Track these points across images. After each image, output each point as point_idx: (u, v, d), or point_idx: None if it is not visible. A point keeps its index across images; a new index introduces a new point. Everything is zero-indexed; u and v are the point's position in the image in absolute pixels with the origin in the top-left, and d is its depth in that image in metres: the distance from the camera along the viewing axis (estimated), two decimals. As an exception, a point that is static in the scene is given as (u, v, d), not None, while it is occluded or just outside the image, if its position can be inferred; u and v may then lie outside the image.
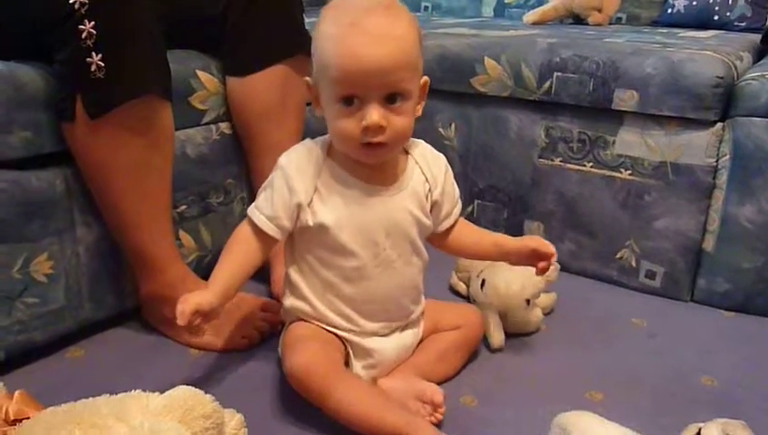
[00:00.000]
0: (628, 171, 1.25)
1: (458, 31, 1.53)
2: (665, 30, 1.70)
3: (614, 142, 1.26)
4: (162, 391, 0.75)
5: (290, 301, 0.94)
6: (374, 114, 0.77)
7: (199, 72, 1.13)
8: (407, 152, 0.91)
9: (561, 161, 1.32)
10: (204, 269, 1.14)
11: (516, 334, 1.10)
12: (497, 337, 1.05)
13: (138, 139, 0.94)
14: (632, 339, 1.12)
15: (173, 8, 1.03)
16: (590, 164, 1.29)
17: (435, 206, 0.93)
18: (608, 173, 1.27)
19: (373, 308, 0.91)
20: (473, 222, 1.40)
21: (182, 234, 1.14)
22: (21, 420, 0.72)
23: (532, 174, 1.36)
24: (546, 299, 1.16)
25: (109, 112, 0.89)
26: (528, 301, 1.08)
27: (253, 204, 0.89)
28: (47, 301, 0.98)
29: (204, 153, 1.15)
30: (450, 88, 1.41)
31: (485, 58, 1.35)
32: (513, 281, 1.08)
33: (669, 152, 1.20)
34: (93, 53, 0.87)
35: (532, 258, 0.95)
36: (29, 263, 0.94)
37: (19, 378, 0.95)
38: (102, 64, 0.87)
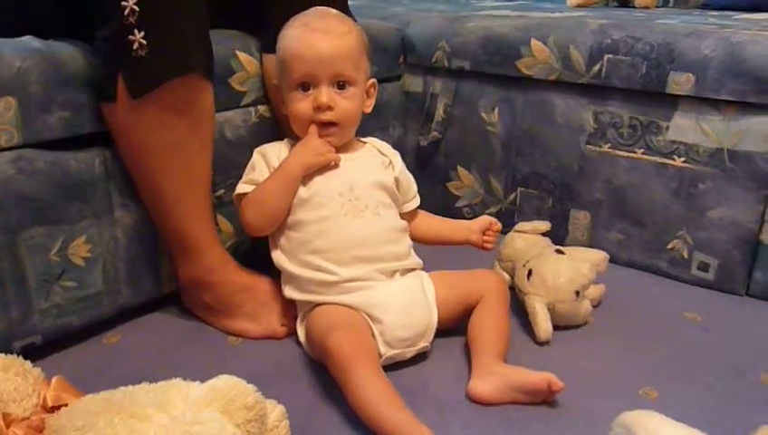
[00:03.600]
0: (682, 158, 1.19)
1: (502, 12, 1.48)
2: (716, 12, 1.63)
3: (667, 128, 1.20)
4: (201, 380, 0.72)
5: (285, 288, 0.99)
6: (324, 94, 0.95)
7: (239, 53, 1.09)
8: (363, 143, 1.04)
9: (610, 148, 1.26)
10: (241, 256, 1.11)
11: (564, 327, 1.05)
12: (545, 329, 1.01)
13: (179, 119, 0.91)
14: (686, 334, 1.07)
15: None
16: (641, 151, 1.23)
17: (397, 182, 1.03)
18: (660, 160, 1.22)
19: (350, 254, 0.94)
20: (515, 211, 1.38)
21: (220, 219, 1.11)
22: (59, 407, 0.69)
23: (579, 161, 1.30)
24: (594, 290, 1.11)
25: (151, 92, 0.87)
26: (577, 292, 1.04)
27: (236, 189, 1.00)
28: (84, 284, 0.95)
29: (242, 136, 1.11)
30: (494, 71, 1.36)
31: (532, 40, 1.29)
32: (562, 272, 1.04)
33: (727, 139, 1.14)
34: (135, 31, 0.84)
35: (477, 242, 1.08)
36: (67, 246, 0.92)
37: (55, 362, 0.94)
38: (145, 42, 0.84)
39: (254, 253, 1.18)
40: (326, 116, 0.96)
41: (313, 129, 0.97)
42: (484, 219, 1.09)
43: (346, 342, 0.84)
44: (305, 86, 0.96)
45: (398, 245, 1.00)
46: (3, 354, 0.75)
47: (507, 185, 1.40)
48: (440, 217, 1.13)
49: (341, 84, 0.96)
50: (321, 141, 0.97)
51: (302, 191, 0.97)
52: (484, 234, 1.08)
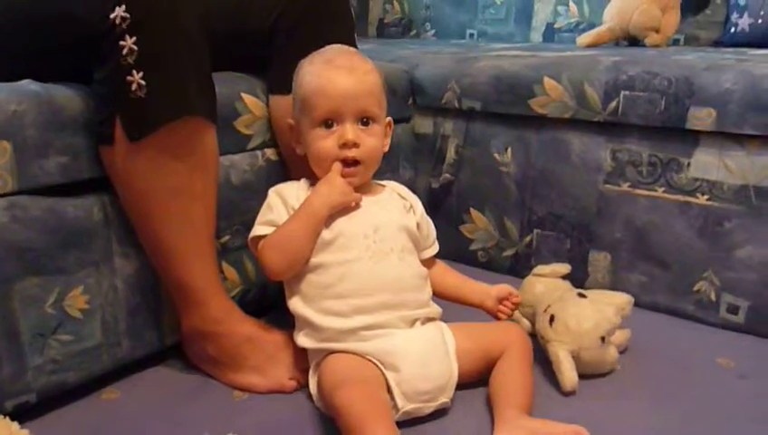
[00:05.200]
0: (706, 196, 1.14)
1: (512, 52, 1.45)
2: (730, 49, 1.60)
3: (689, 165, 1.15)
4: (204, 440, 0.67)
5: (298, 336, 0.93)
6: (349, 131, 0.91)
7: (244, 95, 1.06)
8: (383, 186, 1.01)
9: (629, 187, 1.21)
10: (248, 305, 1.07)
11: (590, 375, 0.99)
12: (570, 379, 0.94)
13: (181, 163, 0.87)
14: (720, 381, 1.00)
15: (219, 23, 0.98)
16: (662, 189, 1.18)
17: (418, 227, 0.99)
18: (682, 198, 1.16)
19: (375, 300, 0.90)
20: (532, 254, 1.33)
21: (225, 266, 1.06)
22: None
23: (597, 201, 1.25)
24: (620, 336, 1.05)
25: (150, 134, 0.83)
26: (603, 338, 0.97)
27: (252, 231, 0.95)
28: (82, 338, 0.90)
29: (249, 180, 1.07)
30: (506, 111, 1.32)
31: (545, 78, 1.26)
32: (587, 317, 0.97)
33: (752, 174, 1.09)
34: (134, 71, 0.81)
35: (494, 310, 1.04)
36: (63, 297, 0.87)
37: (50, 422, 0.88)
38: (144, 83, 0.81)
39: (262, 302, 1.13)
40: (352, 153, 0.92)
41: (337, 167, 0.93)
42: (504, 288, 1.04)
43: (357, 399, 0.78)
44: (329, 123, 0.92)
45: (421, 292, 0.95)
46: (-11, 416, 0.69)
47: (523, 227, 1.35)
48: (457, 274, 1.08)
49: (365, 121, 0.93)
50: (345, 181, 0.93)
51: (325, 233, 0.92)
52: (501, 302, 1.03)
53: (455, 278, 1.06)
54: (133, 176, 0.86)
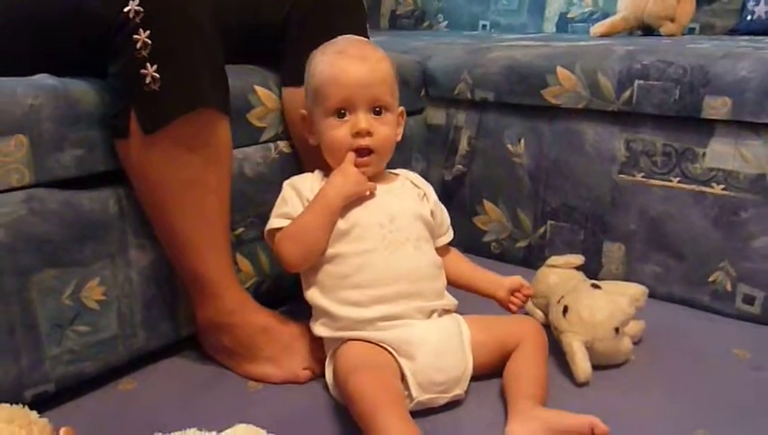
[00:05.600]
0: (721, 186, 1.13)
1: (524, 42, 1.44)
2: (746, 37, 1.58)
3: (704, 155, 1.14)
4: (219, 428, 0.68)
5: (315, 326, 0.94)
6: (362, 120, 0.91)
7: (257, 88, 1.06)
8: (396, 175, 1.01)
9: (643, 177, 1.21)
10: (262, 296, 1.07)
11: (604, 366, 0.98)
12: (584, 369, 0.94)
13: (195, 155, 0.88)
14: (735, 372, 0.99)
15: (232, 16, 0.98)
16: (677, 179, 1.17)
17: (432, 215, 0.99)
18: (697, 188, 1.15)
19: (392, 289, 0.90)
20: (545, 245, 1.33)
21: (239, 258, 1.07)
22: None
23: (611, 191, 1.25)
24: (634, 327, 1.04)
25: (164, 127, 0.83)
26: (617, 329, 0.97)
27: (268, 224, 0.95)
28: (99, 329, 0.91)
29: (262, 173, 1.08)
30: (519, 101, 1.32)
31: (558, 68, 1.25)
32: (600, 308, 0.97)
33: (769, 164, 1.08)
34: (148, 64, 0.81)
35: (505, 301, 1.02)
36: (80, 288, 0.88)
37: (69, 411, 0.89)
38: (158, 76, 0.81)
39: (276, 294, 1.14)
40: (365, 141, 0.92)
41: (351, 156, 0.93)
42: (517, 280, 1.03)
43: (369, 385, 0.79)
44: (341, 113, 0.92)
45: (437, 281, 0.95)
46: (8, 405, 0.70)
47: (536, 218, 1.35)
48: (471, 263, 1.07)
49: (378, 110, 0.93)
50: (358, 171, 0.93)
51: (341, 223, 0.92)
52: (512, 294, 1.02)
53: (468, 267, 1.06)
54: (148, 168, 0.87)
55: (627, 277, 1.24)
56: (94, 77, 0.88)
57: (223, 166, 0.92)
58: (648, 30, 1.74)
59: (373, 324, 0.89)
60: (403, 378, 0.86)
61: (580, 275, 1.13)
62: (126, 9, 0.80)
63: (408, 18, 2.30)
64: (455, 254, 1.06)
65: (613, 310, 0.97)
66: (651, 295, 1.16)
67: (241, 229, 1.06)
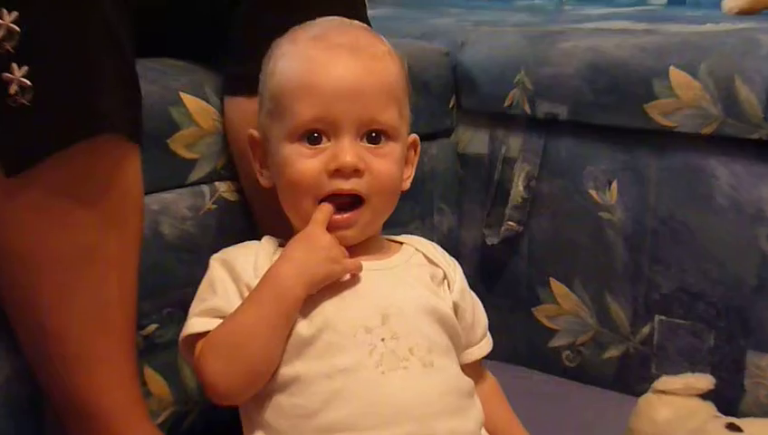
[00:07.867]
0: None
1: (617, 25, 1.48)
2: None
3: None
4: None
5: None
6: (347, 149, 0.89)
7: (185, 96, 1.09)
8: (400, 243, 1.02)
9: (811, 247, 1.24)
10: (185, 434, 1.08)
11: None
12: None
13: (85, 210, 0.90)
14: None
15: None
16: None
17: (456, 310, 0.98)
18: None
19: (387, 433, 0.88)
20: (652, 355, 1.34)
21: (149, 373, 1.08)
22: None
23: (758, 269, 1.27)
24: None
25: (37, 166, 0.85)
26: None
27: (185, 326, 0.93)
28: None
29: (190, 234, 1.10)
30: (609, 121, 1.36)
31: (671, 68, 1.28)
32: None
33: None
34: (14, 65, 0.83)
35: None
36: None
37: None
38: (29, 83, 0.83)
39: (207, 429, 1.14)
40: (349, 184, 0.90)
41: (325, 210, 0.91)
42: None
43: None
44: (314, 136, 0.90)
45: (463, 418, 0.94)
46: None
47: (637, 311, 1.37)
48: (509, 408, 1.07)
49: (374, 136, 0.92)
50: (333, 238, 0.92)
51: (303, 326, 0.89)
52: None
53: (507, 418, 1.05)
54: (9, 231, 0.88)
55: (786, 410, 1.25)
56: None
57: (128, 225, 0.94)
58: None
59: None
60: None
61: (710, 407, 1.15)
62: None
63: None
64: (491, 386, 1.06)
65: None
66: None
67: (153, 327, 1.07)
